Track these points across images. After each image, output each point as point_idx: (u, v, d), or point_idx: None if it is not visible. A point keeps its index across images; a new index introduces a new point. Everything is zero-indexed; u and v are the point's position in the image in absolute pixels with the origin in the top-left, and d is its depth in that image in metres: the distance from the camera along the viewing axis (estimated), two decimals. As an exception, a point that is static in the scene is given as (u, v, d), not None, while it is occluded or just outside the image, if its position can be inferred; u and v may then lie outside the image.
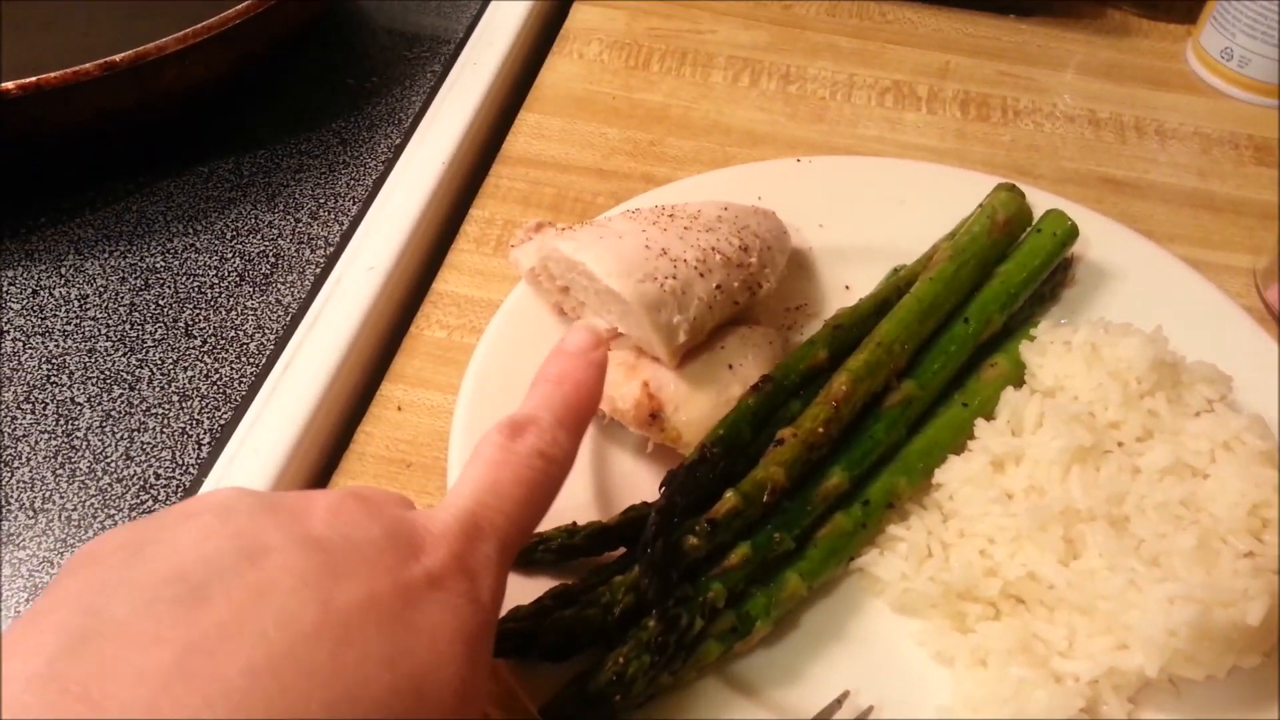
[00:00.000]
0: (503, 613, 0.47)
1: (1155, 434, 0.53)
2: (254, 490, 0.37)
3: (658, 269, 0.54)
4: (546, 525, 0.50)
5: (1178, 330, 0.58)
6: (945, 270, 0.60)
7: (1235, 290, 0.69)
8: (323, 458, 0.60)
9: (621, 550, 0.51)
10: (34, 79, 0.61)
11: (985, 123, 0.82)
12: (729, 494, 0.50)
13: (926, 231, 0.66)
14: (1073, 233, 0.63)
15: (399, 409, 0.62)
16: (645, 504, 0.52)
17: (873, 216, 0.69)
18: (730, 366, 0.56)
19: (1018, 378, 0.58)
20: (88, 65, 0.62)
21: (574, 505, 0.54)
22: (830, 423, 0.53)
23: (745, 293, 0.58)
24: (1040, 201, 0.66)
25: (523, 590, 0.49)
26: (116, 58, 0.63)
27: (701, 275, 0.55)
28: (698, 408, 0.55)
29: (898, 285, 0.61)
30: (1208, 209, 0.76)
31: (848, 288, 0.66)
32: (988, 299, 0.60)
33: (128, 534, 0.34)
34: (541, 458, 0.41)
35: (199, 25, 0.66)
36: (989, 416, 0.56)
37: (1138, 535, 0.49)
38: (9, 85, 0.61)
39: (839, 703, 0.47)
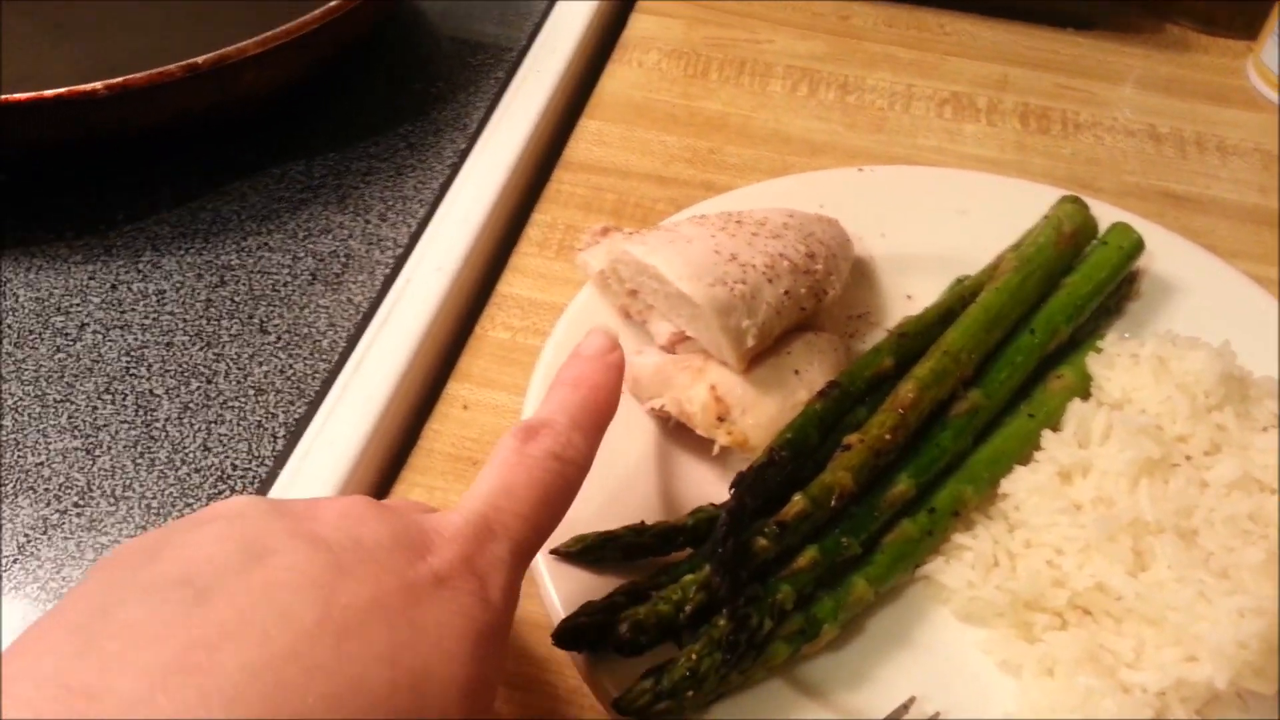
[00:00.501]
0: (570, 608, 0.48)
1: (1223, 448, 0.54)
2: (266, 498, 0.38)
3: (728, 274, 0.55)
4: (615, 524, 0.52)
5: (1243, 345, 0.58)
6: (1011, 281, 0.60)
7: (1298, 307, 0.68)
8: (392, 453, 0.62)
9: (688, 551, 0.52)
10: (120, 80, 0.63)
11: (1045, 135, 0.82)
12: (797, 497, 0.50)
13: (988, 242, 0.66)
14: (1138, 246, 0.63)
15: (465, 408, 0.63)
16: (713, 505, 0.52)
17: (934, 226, 0.69)
18: (797, 372, 0.57)
19: (1084, 390, 0.58)
20: (172, 67, 0.64)
21: (641, 506, 0.54)
22: (897, 429, 0.54)
23: (812, 299, 0.58)
24: (1102, 215, 0.66)
25: (592, 587, 0.50)
26: (199, 60, 0.65)
27: (770, 281, 0.56)
28: (764, 411, 0.55)
29: (962, 295, 0.62)
30: (1269, 225, 0.76)
31: (910, 297, 0.66)
32: (1054, 310, 0.60)
33: (144, 540, 0.35)
34: (556, 460, 0.41)
35: (278, 29, 0.67)
36: (1055, 428, 0.56)
37: (1206, 548, 0.49)
38: (98, 86, 0.62)
39: (905, 707, 0.47)
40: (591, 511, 0.53)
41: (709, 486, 0.57)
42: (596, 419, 0.44)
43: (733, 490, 0.50)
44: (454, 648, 0.33)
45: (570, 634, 0.46)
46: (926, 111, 0.84)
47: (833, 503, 0.51)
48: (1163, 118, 0.84)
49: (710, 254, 0.56)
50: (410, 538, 0.36)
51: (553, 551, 0.51)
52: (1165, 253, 0.67)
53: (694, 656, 0.45)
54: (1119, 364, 0.57)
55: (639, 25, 0.92)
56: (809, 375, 0.57)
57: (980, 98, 0.85)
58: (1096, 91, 0.86)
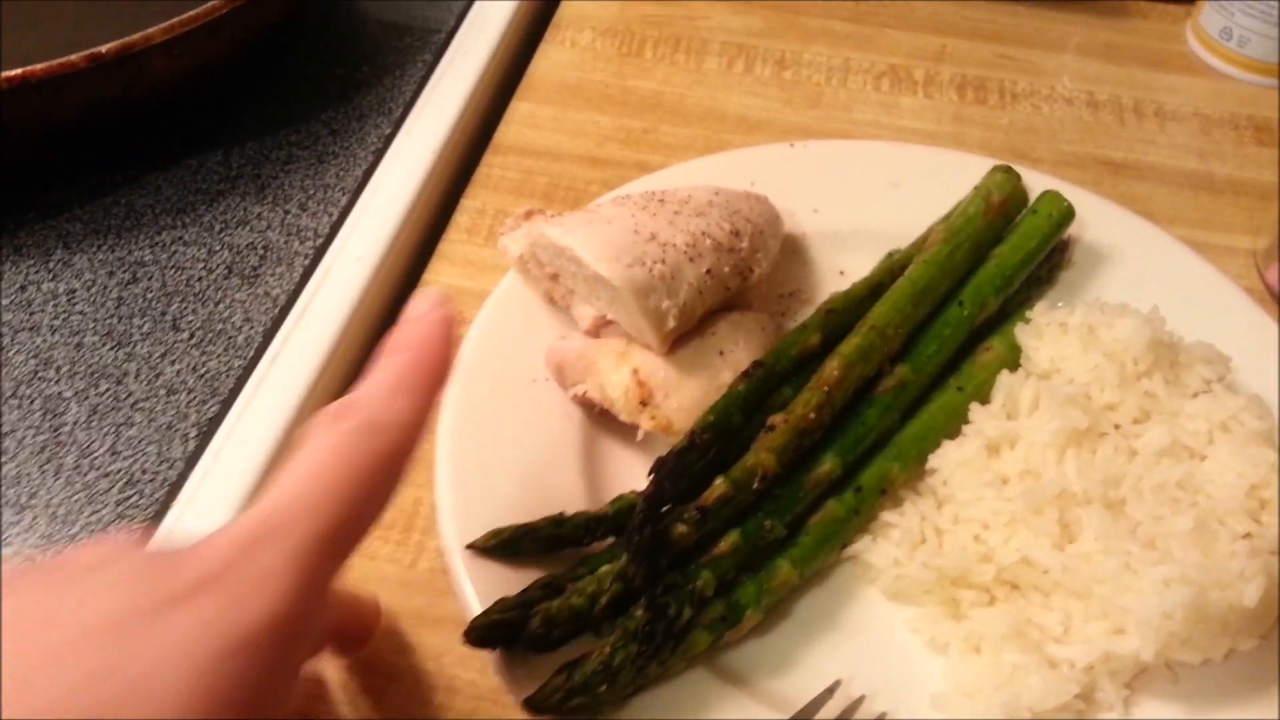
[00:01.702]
0: (488, 604, 0.47)
1: (1152, 415, 0.53)
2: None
3: (646, 254, 0.54)
4: (536, 515, 0.50)
5: (1176, 311, 0.57)
6: (939, 253, 0.59)
7: (1235, 271, 0.68)
8: (312, 450, 0.60)
9: (611, 540, 0.51)
10: (19, 71, 0.61)
11: (982, 106, 0.81)
12: (719, 481, 0.49)
13: (922, 215, 0.65)
14: (1069, 214, 0.62)
15: (389, 400, 0.62)
16: (635, 493, 0.51)
17: (867, 201, 0.68)
18: (721, 353, 0.56)
19: (1013, 361, 0.57)
20: (73, 57, 0.62)
21: (562, 496, 0.53)
22: (822, 408, 0.52)
23: (737, 278, 0.57)
24: (1038, 185, 0.65)
25: (509, 582, 0.48)
26: (103, 49, 0.63)
27: (691, 260, 0.55)
28: (688, 394, 0.54)
29: (891, 269, 0.60)
30: (1208, 190, 0.75)
31: (842, 273, 0.65)
32: (982, 282, 0.59)
33: None
34: (369, 429, 0.37)
35: (185, 15, 0.65)
36: (984, 401, 0.55)
37: (1134, 518, 0.49)
38: (-7, 78, 0.60)
39: (830, 692, 0.46)
40: (511, 503, 0.52)
41: (635, 474, 0.55)
42: (423, 378, 0.40)
43: (651, 476, 0.48)
44: (185, 664, 0.32)
45: (483, 632, 0.45)
46: (863, 85, 0.83)
47: (755, 485, 0.50)
48: (1101, 85, 0.83)
49: (629, 234, 0.55)
50: (156, 565, 0.34)
51: (469, 547, 0.50)
52: (1098, 220, 0.66)
53: (607, 650, 0.43)
54: (1047, 334, 0.56)
55: (572, 4, 0.90)
56: (735, 356, 0.56)
57: (917, 70, 0.84)
58: (1035, 60, 0.85)
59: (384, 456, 0.37)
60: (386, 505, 0.38)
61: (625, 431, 0.57)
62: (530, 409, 0.57)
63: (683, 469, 0.49)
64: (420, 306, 0.43)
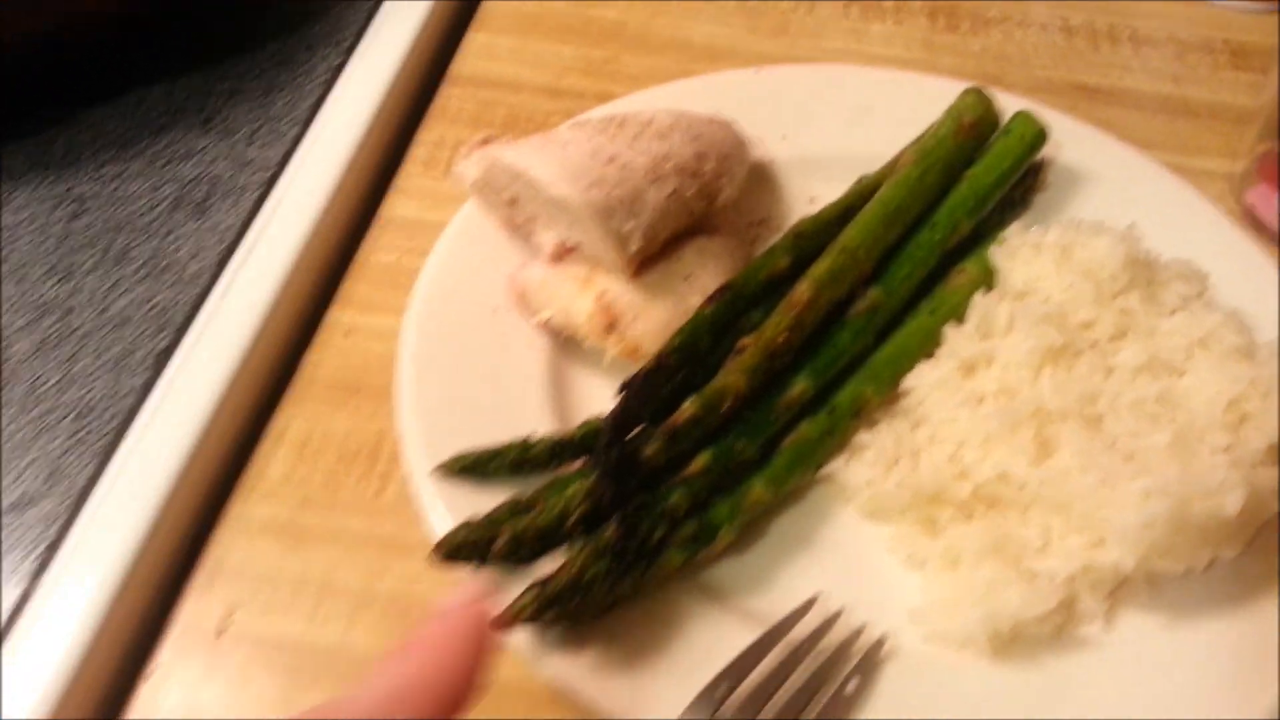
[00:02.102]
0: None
1: (1129, 333, 0.52)
2: None
3: (606, 176, 0.52)
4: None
5: (1153, 230, 0.57)
6: (910, 175, 0.58)
7: (1213, 195, 0.66)
8: (269, 384, 0.58)
9: (579, 464, 0.49)
10: (-54, -5, 0.58)
11: (954, 33, 0.79)
12: (688, 402, 0.48)
13: (894, 141, 0.63)
14: (1042, 135, 0.61)
15: (346, 334, 0.60)
16: (602, 416, 0.49)
17: (837, 127, 0.66)
18: (688, 277, 0.54)
19: (987, 283, 0.56)
20: (4, -19, 0.59)
21: (529, 424, 0.51)
22: (793, 330, 0.51)
23: (701, 201, 0.55)
24: (1012, 109, 0.64)
25: (477, 505, 0.47)
26: (34, -28, 0.60)
27: (653, 182, 0.53)
28: (655, 318, 0.53)
29: (862, 192, 0.59)
30: (1184, 114, 0.74)
31: (812, 200, 0.63)
32: (955, 204, 0.58)
33: None
34: None
35: (122, -64, 0.62)
36: (959, 322, 0.54)
37: (1112, 434, 0.48)
38: (-81, 1, 0.57)
39: (808, 606, 0.45)
40: (477, 431, 0.50)
41: (602, 401, 0.53)
42: (432, 699, 0.32)
43: (618, 396, 0.47)
44: None
45: (451, 549, 0.44)
46: (832, 12, 0.81)
47: (725, 406, 0.48)
48: (1075, 11, 0.81)
49: (587, 157, 0.53)
50: None
51: (435, 470, 0.48)
52: (1074, 142, 0.64)
53: (578, 565, 0.42)
54: (1021, 254, 0.55)
55: (531, -66, 0.87)
56: (701, 280, 0.54)
57: (887, -4, 0.82)
58: (1006, -15, 0.83)
59: None
60: None
61: (591, 359, 0.55)
62: (493, 338, 0.55)
63: (651, 390, 0.48)
64: (456, 596, 0.35)
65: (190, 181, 0.64)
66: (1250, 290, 0.55)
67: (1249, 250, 0.58)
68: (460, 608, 0.34)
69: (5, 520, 0.50)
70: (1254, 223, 0.65)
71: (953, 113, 0.62)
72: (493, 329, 0.56)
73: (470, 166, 0.57)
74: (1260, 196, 0.64)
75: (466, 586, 0.36)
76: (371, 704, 0.31)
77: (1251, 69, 0.77)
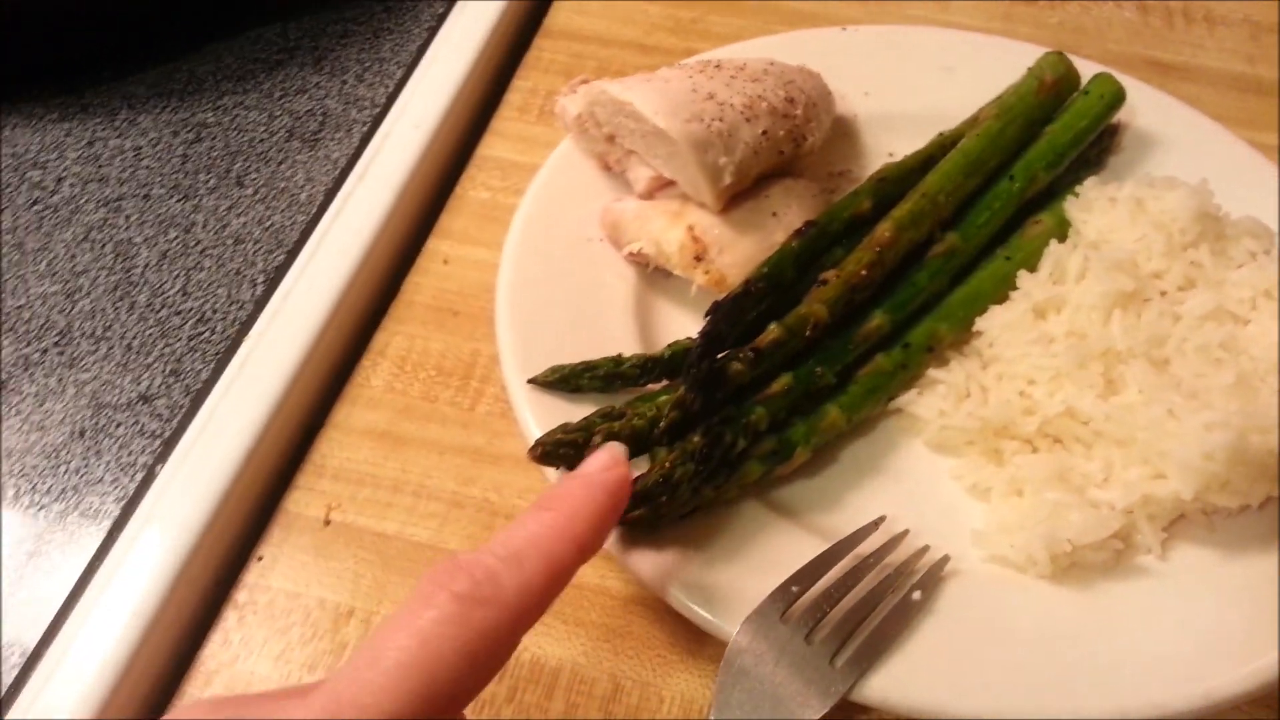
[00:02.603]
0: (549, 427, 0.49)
1: (1198, 283, 0.54)
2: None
3: (704, 111, 0.55)
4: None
5: (1224, 191, 0.58)
6: (991, 128, 0.60)
7: (1281, 169, 0.68)
8: (373, 303, 0.62)
9: (665, 383, 0.52)
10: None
11: (1032, 5, 0.81)
12: (773, 326, 0.51)
13: (973, 100, 0.65)
14: (1120, 95, 0.63)
15: (445, 262, 0.63)
16: (690, 338, 0.52)
17: (919, 85, 0.68)
18: (775, 214, 0.57)
19: (1062, 234, 0.58)
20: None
21: (616, 346, 0.54)
22: (873, 266, 0.54)
23: (790, 143, 0.58)
24: (1088, 74, 0.66)
25: (568, 413, 0.50)
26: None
27: (748, 120, 0.56)
28: (742, 251, 0.55)
29: (943, 144, 0.61)
30: (1255, 92, 0.75)
31: (891, 155, 0.66)
32: (1033, 158, 0.60)
33: None
34: (477, 601, 0.34)
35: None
36: (1032, 269, 0.56)
37: (1177, 374, 0.50)
38: (66, -68, 0.62)
39: (874, 525, 0.48)
40: (567, 350, 0.53)
41: (687, 330, 0.56)
42: (557, 551, 0.37)
43: (708, 317, 0.50)
44: None
45: (548, 448, 0.47)
46: (915, -18, 0.83)
47: (807, 332, 0.51)
48: (1152, -11, 0.83)
49: (688, 93, 0.56)
50: None
51: (530, 381, 0.52)
52: (1148, 108, 0.66)
53: (668, 465, 0.45)
54: (1096, 207, 0.57)
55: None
56: (787, 218, 0.57)
57: (969, -31, 0.84)
58: (1086, -36, 0.85)
59: (487, 633, 0.34)
60: (486, 683, 0.35)
61: (676, 291, 0.58)
62: (585, 266, 0.59)
63: (738, 312, 0.50)
64: (595, 462, 0.41)
65: (303, 114, 0.68)
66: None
67: (1316, 213, 0.59)
68: (596, 470, 0.40)
69: (129, 412, 0.54)
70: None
71: (1035, 71, 0.64)
72: (585, 258, 0.59)
73: (573, 101, 0.60)
74: (1331, 168, 0.65)
75: (601, 453, 0.41)
76: (505, 554, 0.36)
77: (1327, 50, 0.78)
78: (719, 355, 0.49)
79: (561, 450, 0.47)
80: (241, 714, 0.33)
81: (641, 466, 0.47)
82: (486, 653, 0.34)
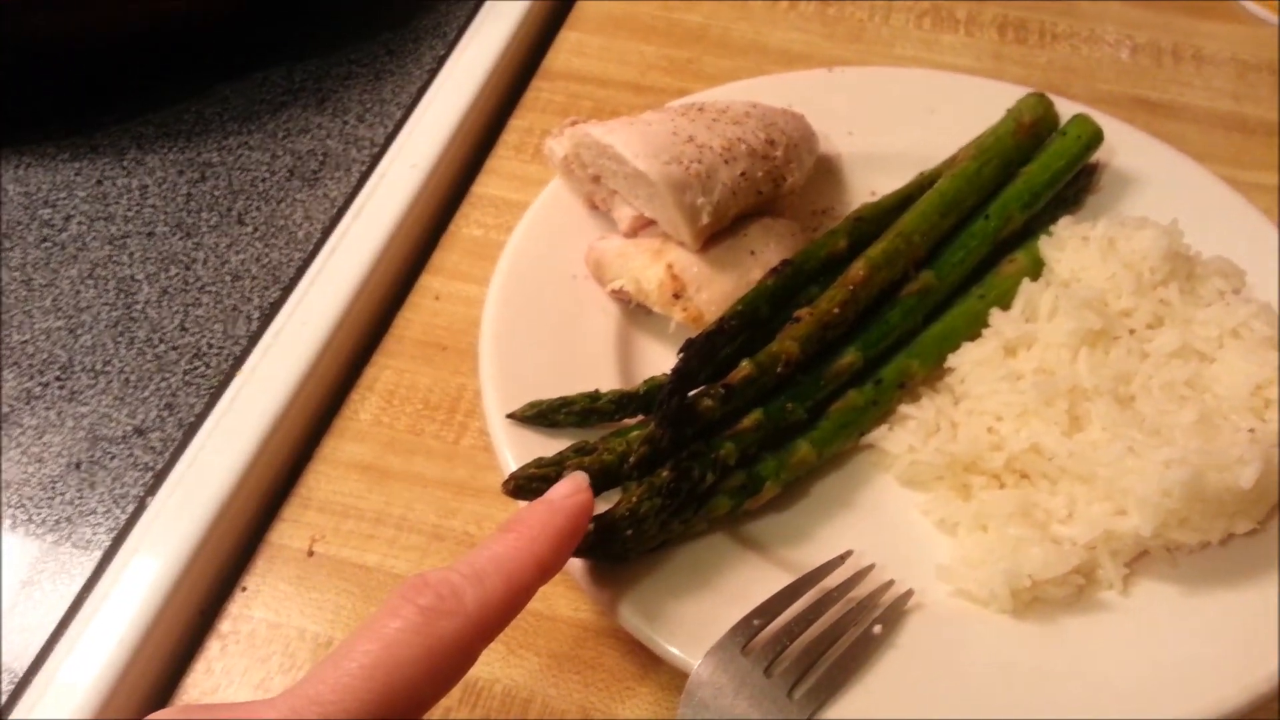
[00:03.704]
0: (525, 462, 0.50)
1: (1166, 321, 0.55)
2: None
3: (684, 153, 0.56)
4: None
5: (1197, 230, 0.59)
6: (968, 168, 0.61)
7: (1264, 206, 0.68)
8: (364, 338, 0.64)
9: (641, 418, 0.54)
10: (97, -23, 0.65)
11: (1022, 45, 0.82)
12: (745, 363, 0.52)
13: (955, 140, 0.67)
14: (1097, 137, 0.64)
15: (436, 298, 0.65)
16: (665, 374, 0.54)
17: (902, 125, 0.70)
18: (752, 252, 0.59)
19: (1036, 273, 0.59)
20: (147, -34, 0.66)
21: (596, 381, 0.56)
22: (846, 304, 0.55)
23: (769, 183, 0.60)
24: (1071, 114, 0.67)
25: (546, 449, 0.51)
26: (177, -41, 0.66)
27: (726, 162, 0.57)
28: (719, 289, 0.57)
29: (921, 184, 0.63)
30: (1240, 130, 0.76)
31: (874, 193, 0.67)
32: (1009, 197, 0.61)
33: None
34: (441, 613, 0.37)
35: (254, -69, 0.69)
36: (1005, 308, 0.57)
37: (1142, 411, 0.51)
38: (77, -18, 0.64)
39: (841, 559, 0.49)
40: (548, 385, 0.55)
41: (666, 366, 0.58)
42: (520, 567, 0.39)
43: (681, 354, 0.51)
44: None
45: (520, 483, 0.48)
46: (905, 23, 0.84)
47: (779, 369, 0.52)
48: (1141, 29, 0.84)
49: (668, 135, 0.57)
50: None
51: (509, 416, 0.53)
52: (1127, 148, 0.67)
53: (634, 499, 0.46)
54: (1069, 245, 0.58)
55: (623, -58, 0.92)
56: (764, 256, 0.59)
57: (960, 9, 0.85)
58: (1078, 4, 0.86)
59: (448, 643, 0.36)
60: (445, 692, 0.38)
61: (657, 328, 0.60)
62: (569, 302, 0.60)
63: (711, 349, 0.52)
64: (559, 490, 0.44)
65: (305, 154, 0.70)
66: (1290, 290, 0.58)
67: (1291, 253, 0.60)
68: (559, 496, 0.43)
69: (124, 445, 0.56)
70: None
71: (1013, 113, 0.65)
72: (569, 294, 0.60)
73: (559, 144, 0.62)
74: (1311, 207, 0.66)
75: (565, 481, 0.44)
76: (471, 571, 0.39)
77: (1314, 88, 0.79)
78: (691, 392, 0.51)
79: (534, 485, 0.48)
80: (210, 715, 0.36)
81: (615, 499, 0.48)
82: (447, 661, 0.37)
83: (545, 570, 0.41)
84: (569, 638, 0.51)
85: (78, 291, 0.62)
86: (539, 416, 0.53)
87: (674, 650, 0.46)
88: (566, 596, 0.52)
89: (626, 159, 0.56)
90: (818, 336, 0.54)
